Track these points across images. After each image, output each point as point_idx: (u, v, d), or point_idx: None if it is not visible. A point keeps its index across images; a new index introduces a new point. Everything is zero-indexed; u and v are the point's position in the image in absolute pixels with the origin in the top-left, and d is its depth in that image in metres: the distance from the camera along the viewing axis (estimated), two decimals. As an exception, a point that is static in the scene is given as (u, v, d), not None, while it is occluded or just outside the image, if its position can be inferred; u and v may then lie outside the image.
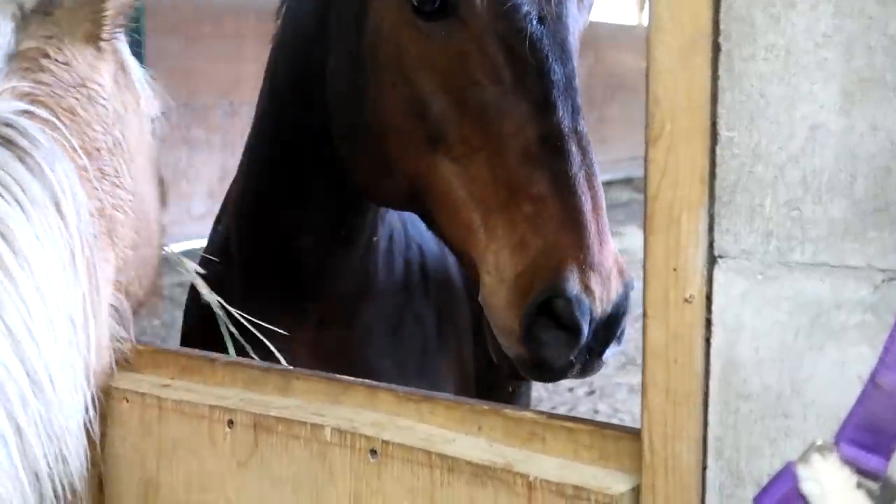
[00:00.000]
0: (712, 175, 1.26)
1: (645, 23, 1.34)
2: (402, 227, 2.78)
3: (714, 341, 1.28)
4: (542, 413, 1.53)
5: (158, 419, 1.77)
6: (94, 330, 1.54)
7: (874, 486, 0.98)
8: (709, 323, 1.28)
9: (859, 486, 0.97)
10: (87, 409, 1.51)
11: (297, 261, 2.57)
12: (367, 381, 1.70)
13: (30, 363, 1.38)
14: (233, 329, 2.27)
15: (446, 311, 2.85)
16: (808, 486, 0.98)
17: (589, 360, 1.93)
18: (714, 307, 1.27)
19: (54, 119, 1.60)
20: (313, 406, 1.67)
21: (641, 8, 17.95)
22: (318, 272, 2.56)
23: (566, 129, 1.95)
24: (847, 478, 0.97)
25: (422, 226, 2.82)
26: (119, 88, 1.81)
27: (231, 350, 2.26)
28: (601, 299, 1.86)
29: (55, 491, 1.41)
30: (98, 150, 1.68)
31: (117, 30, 1.78)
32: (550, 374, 1.96)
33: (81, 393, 1.49)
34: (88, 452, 1.51)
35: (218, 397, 1.74)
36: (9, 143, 1.47)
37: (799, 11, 1.19)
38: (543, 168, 1.94)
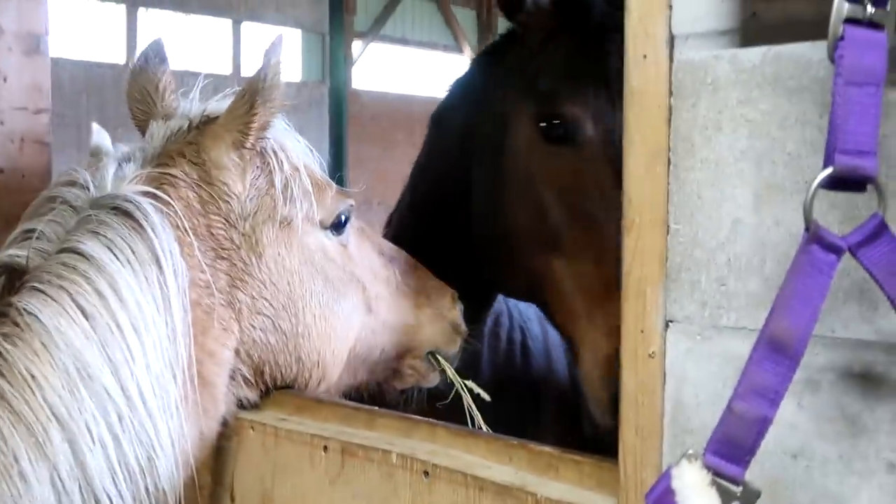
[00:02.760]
0: (665, 257, 1.62)
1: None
2: (508, 311, 3.22)
3: (667, 388, 1.62)
4: (558, 448, 1.89)
5: (275, 445, 2.23)
6: (189, 369, 1.90)
7: (730, 486, 1.30)
8: (664, 374, 1.63)
9: (712, 483, 1.30)
10: (181, 428, 1.88)
11: None
12: (430, 419, 2.11)
13: (126, 387, 1.77)
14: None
15: (544, 382, 3.23)
16: (675, 483, 1.32)
17: None
18: (667, 361, 1.62)
19: (170, 201, 1.97)
20: (387, 437, 2.09)
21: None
22: None
23: None
24: (703, 478, 1.31)
25: (527, 310, 3.26)
26: (258, 193, 2.13)
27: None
28: None
29: (146, 486, 1.83)
30: (211, 234, 2.04)
31: (260, 141, 2.14)
32: None
33: (172, 415, 1.86)
34: (181, 460, 1.90)
35: (318, 429, 2.19)
36: (126, 215, 1.89)
37: (724, 133, 1.55)
38: None
